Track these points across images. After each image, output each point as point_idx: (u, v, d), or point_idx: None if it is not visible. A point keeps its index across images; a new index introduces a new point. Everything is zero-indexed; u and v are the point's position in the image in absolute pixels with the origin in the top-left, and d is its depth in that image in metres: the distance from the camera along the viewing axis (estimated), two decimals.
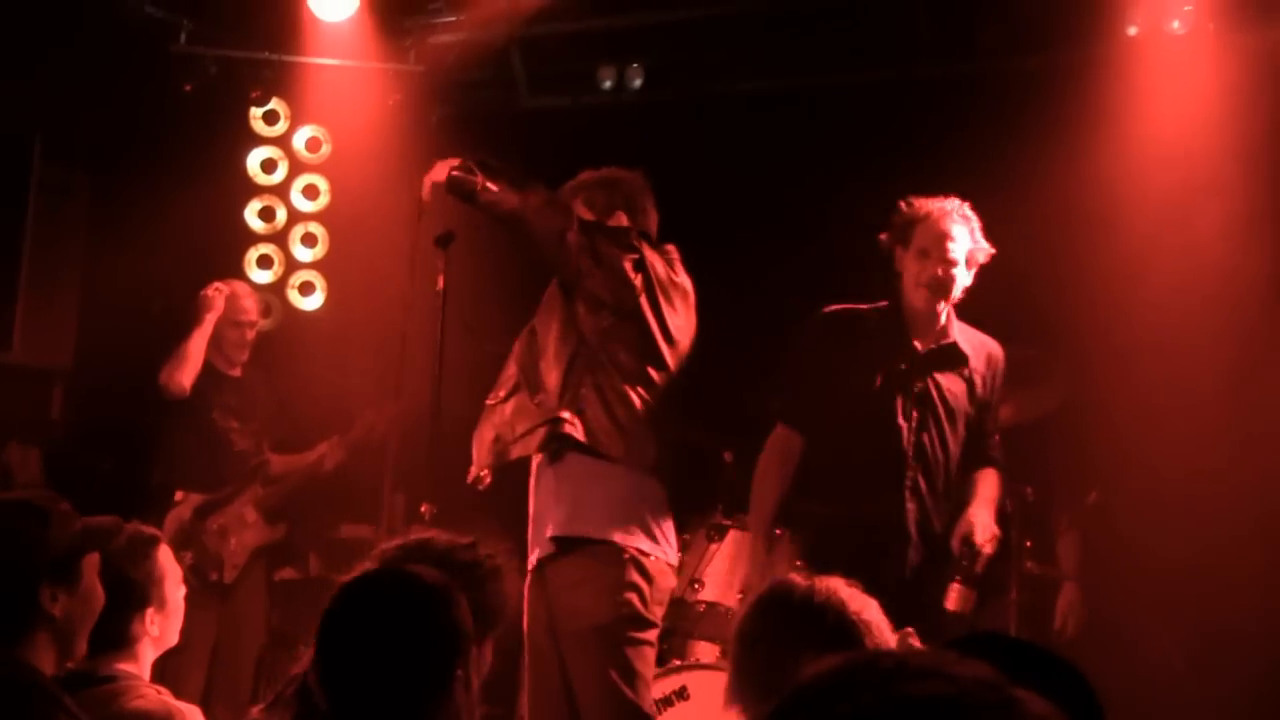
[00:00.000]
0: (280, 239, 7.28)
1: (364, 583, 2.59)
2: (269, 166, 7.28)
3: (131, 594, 3.29)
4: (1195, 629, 6.26)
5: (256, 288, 6.97)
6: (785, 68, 7.09)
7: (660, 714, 5.21)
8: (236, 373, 6.44)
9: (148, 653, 3.38)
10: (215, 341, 6.35)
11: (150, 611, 3.35)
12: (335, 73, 7.13)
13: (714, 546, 5.64)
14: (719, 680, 5.01)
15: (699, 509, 5.75)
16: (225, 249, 7.23)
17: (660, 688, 5.22)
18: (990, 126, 6.46)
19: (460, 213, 4.63)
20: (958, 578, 4.42)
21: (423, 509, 4.93)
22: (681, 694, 5.25)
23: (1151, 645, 6.38)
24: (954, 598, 4.41)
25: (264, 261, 7.22)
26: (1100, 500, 6.41)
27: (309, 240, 7.28)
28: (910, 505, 4.54)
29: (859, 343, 4.67)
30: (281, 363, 6.84)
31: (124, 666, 3.30)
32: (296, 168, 7.31)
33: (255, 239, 7.27)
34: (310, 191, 7.28)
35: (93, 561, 3.05)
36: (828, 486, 4.62)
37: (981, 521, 4.48)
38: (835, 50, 6.96)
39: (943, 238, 4.62)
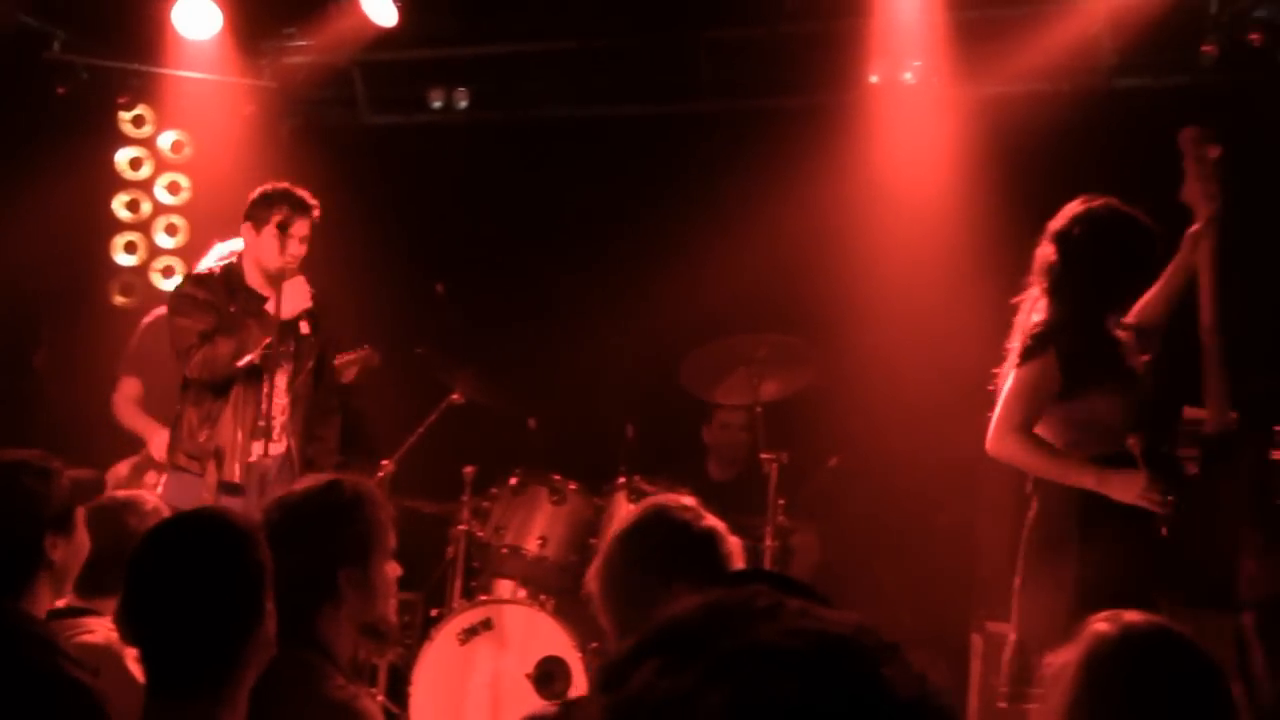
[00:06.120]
0: (145, 228, 7.82)
1: (168, 527, 2.70)
2: (135, 164, 7.80)
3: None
4: (913, 571, 7.01)
5: (121, 270, 7.66)
6: (588, 98, 7.70)
7: (468, 641, 5.81)
8: None
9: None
10: None
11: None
12: (198, 84, 7.66)
13: (517, 499, 6.20)
14: (518, 612, 5.88)
15: (503, 468, 6.32)
16: (95, 235, 7.76)
17: (468, 618, 5.86)
18: (761, 155, 7.15)
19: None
20: None
21: None
22: (487, 624, 5.83)
23: (879, 586, 7.11)
24: None
25: (130, 247, 7.80)
26: (840, 464, 7.09)
27: (171, 230, 7.84)
28: None
29: None
30: None
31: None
32: (161, 166, 7.82)
33: (122, 227, 7.81)
34: (173, 187, 7.82)
35: (82, 513, 3.30)
36: None
37: None
38: (630, 84, 7.58)
39: None
